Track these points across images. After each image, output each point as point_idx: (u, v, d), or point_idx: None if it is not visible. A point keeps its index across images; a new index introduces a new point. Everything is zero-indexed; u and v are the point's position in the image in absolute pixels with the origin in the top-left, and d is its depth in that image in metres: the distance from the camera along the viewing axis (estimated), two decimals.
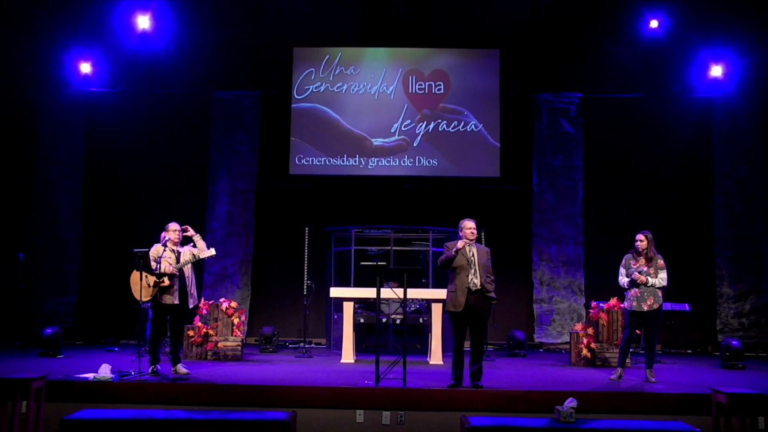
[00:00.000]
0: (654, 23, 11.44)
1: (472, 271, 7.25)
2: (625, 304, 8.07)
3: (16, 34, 11.63)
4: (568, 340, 10.09)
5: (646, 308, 7.86)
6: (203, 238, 8.16)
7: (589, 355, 9.39)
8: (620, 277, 8.09)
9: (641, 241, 7.96)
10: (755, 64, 11.51)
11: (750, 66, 11.52)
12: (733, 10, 11.36)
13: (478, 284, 7.24)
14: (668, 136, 11.80)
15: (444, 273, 10.53)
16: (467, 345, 7.44)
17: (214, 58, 12.09)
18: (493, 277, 7.38)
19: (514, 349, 10.47)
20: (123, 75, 12.00)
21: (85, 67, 11.69)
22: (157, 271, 7.79)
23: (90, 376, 7.41)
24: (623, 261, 8.10)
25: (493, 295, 7.33)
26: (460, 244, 7.29)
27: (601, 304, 9.61)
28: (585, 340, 9.44)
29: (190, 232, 8.05)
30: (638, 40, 11.62)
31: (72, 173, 11.99)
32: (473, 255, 7.30)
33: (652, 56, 11.62)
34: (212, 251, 8.11)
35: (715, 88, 11.62)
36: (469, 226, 7.38)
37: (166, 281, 7.81)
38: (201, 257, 8.06)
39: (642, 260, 7.95)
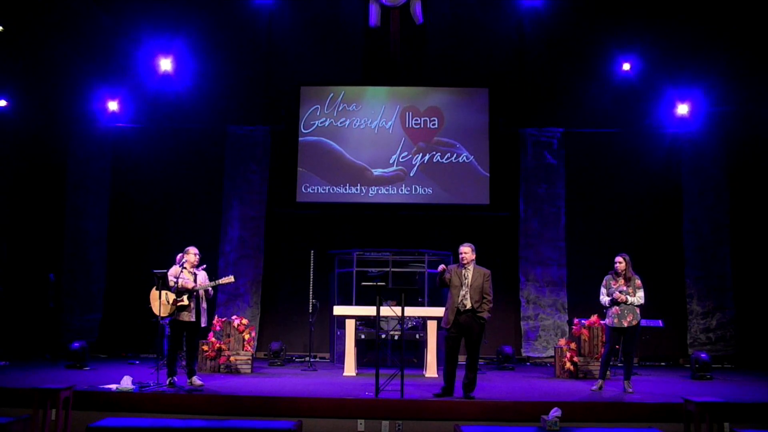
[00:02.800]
0: (626, 66, 11.61)
1: (463, 292, 7.22)
2: (607, 321, 8.08)
3: (50, 76, 11.75)
4: (553, 354, 10.06)
5: (626, 324, 7.88)
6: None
7: (572, 368, 9.36)
8: (602, 296, 8.10)
9: (620, 263, 8.00)
10: (717, 103, 11.63)
11: (713, 105, 11.64)
12: (698, 56, 11.49)
13: (468, 305, 7.19)
14: (641, 167, 11.85)
15: (440, 292, 10.59)
16: (462, 359, 7.43)
17: (229, 96, 12.18)
18: (489, 298, 7.28)
19: (504, 362, 10.43)
20: (146, 112, 12.09)
21: (113, 105, 11.79)
22: (176, 288, 7.78)
23: (113, 387, 7.39)
24: (604, 281, 8.12)
25: (483, 315, 7.24)
26: (440, 267, 7.30)
27: (583, 321, 9.59)
28: (568, 354, 9.41)
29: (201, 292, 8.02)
30: (613, 81, 11.76)
31: (99, 200, 12.02)
32: (467, 277, 7.27)
33: (626, 95, 11.76)
34: (231, 278, 8.09)
35: (682, 124, 11.73)
36: (460, 250, 7.41)
37: (185, 300, 7.80)
38: (218, 283, 8.06)
39: (621, 280, 7.97)
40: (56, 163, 12.02)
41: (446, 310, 7.34)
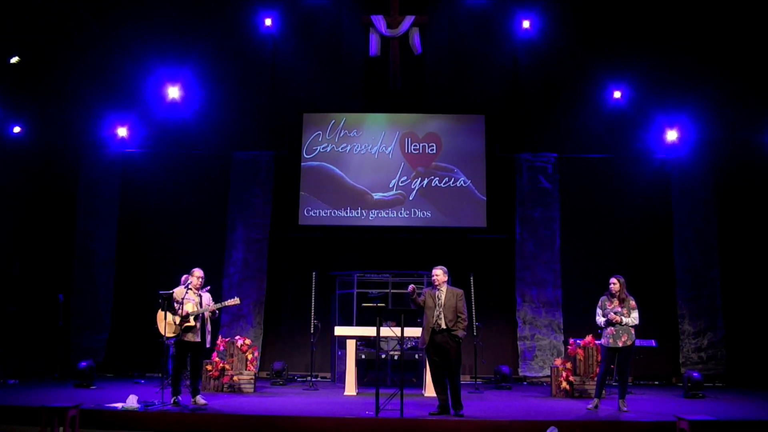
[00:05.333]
0: (617, 94, 11.74)
1: (437, 312, 7.24)
2: (602, 341, 8.05)
3: (63, 103, 11.86)
4: (549, 373, 10.01)
5: (620, 344, 7.86)
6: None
7: (568, 387, 9.30)
8: (597, 317, 8.09)
9: (614, 284, 8.00)
10: (705, 129, 11.72)
11: (700, 131, 11.74)
12: (686, 83, 11.60)
13: (443, 324, 7.21)
14: (633, 191, 11.87)
15: None
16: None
17: (234, 123, 12.26)
18: (463, 316, 7.29)
19: (501, 382, 10.37)
20: (155, 138, 12.19)
21: (122, 131, 11.90)
22: (180, 312, 7.75)
23: (119, 405, 7.36)
24: (599, 302, 8.11)
25: (458, 334, 7.24)
26: (409, 287, 7.30)
27: (578, 341, 9.55)
28: (564, 374, 9.36)
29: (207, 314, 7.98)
30: (605, 108, 11.87)
31: (108, 223, 12.06)
32: (440, 298, 7.29)
33: (617, 122, 11.85)
34: (236, 300, 8.07)
35: (672, 150, 11.82)
36: (432, 273, 7.45)
37: (191, 321, 7.78)
38: (224, 305, 8.03)
39: (616, 301, 7.96)
40: (67, 186, 12.10)
41: (422, 330, 7.36)
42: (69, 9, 11.37)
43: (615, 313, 7.88)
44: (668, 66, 11.70)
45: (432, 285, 7.46)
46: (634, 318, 7.89)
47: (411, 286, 7.36)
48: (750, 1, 11.18)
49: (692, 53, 11.66)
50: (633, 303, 7.95)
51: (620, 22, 11.78)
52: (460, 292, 7.42)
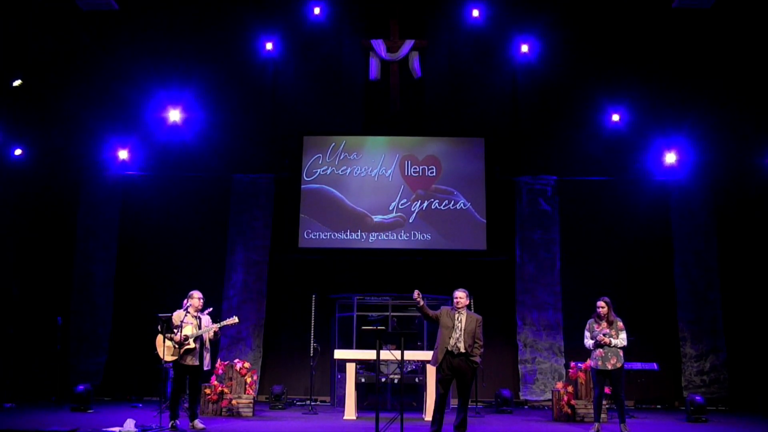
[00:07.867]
0: (616, 117, 11.82)
1: (456, 335, 7.20)
2: (591, 363, 8.05)
3: (64, 126, 11.95)
4: (551, 397, 9.95)
5: (610, 367, 7.85)
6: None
7: (569, 411, 9.25)
8: (586, 340, 8.10)
9: (602, 307, 8.02)
10: (704, 151, 11.78)
11: (699, 153, 11.80)
12: (685, 106, 11.71)
13: (462, 348, 7.17)
14: (633, 213, 11.91)
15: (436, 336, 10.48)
16: (455, 403, 7.36)
17: (235, 146, 12.32)
18: (480, 343, 7.29)
19: (502, 406, 10.30)
20: (155, 160, 12.24)
21: (123, 154, 11.95)
22: (178, 335, 7.72)
23: (116, 430, 7.33)
24: (587, 325, 8.13)
25: (477, 359, 7.24)
26: (415, 293, 7.16)
27: (579, 364, 9.52)
28: (565, 398, 9.31)
29: (210, 334, 7.98)
30: (604, 131, 11.95)
31: (107, 246, 12.06)
32: (460, 321, 7.26)
33: (616, 145, 11.92)
34: (235, 319, 8.05)
35: (671, 172, 11.87)
36: (454, 295, 7.40)
37: (191, 343, 7.75)
38: (222, 325, 8.01)
39: (604, 324, 7.97)
40: (67, 209, 12.13)
41: (436, 349, 7.32)
42: (70, 32, 11.50)
43: (603, 335, 7.88)
44: (666, 89, 11.82)
45: (453, 306, 7.38)
46: (622, 339, 7.89)
47: (416, 292, 7.20)
48: (747, 23, 11.31)
49: (690, 76, 11.80)
50: (621, 324, 7.96)
51: (618, 46, 11.93)
52: (480, 318, 7.39)
